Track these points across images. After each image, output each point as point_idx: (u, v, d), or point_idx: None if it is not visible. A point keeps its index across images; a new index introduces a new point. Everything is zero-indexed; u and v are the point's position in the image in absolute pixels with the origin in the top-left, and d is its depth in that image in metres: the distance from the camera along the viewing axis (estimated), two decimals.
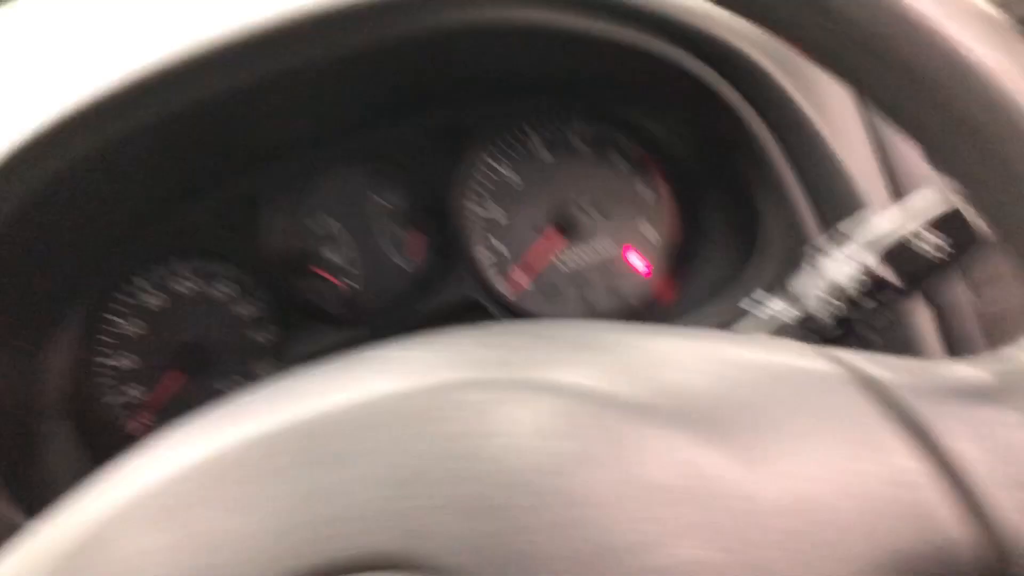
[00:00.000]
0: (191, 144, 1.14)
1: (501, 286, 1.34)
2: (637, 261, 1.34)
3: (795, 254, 1.08)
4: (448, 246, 1.34)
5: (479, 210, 1.35)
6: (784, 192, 1.09)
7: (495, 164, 1.34)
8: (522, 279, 1.35)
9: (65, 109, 0.91)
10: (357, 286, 1.37)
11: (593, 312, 1.35)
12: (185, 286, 1.33)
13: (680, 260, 1.32)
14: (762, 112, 1.08)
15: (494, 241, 1.35)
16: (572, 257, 1.35)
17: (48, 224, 1.04)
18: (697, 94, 1.07)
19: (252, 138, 1.21)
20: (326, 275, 1.36)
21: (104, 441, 1.28)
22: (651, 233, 1.35)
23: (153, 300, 1.33)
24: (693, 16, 1.03)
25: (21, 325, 1.16)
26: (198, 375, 1.32)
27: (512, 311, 1.31)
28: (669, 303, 1.32)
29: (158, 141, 1.03)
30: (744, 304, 0.83)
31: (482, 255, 1.35)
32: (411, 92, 1.25)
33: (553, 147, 1.34)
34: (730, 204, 1.21)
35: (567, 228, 1.32)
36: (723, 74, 1.07)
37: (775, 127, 1.08)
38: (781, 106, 1.05)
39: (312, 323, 1.31)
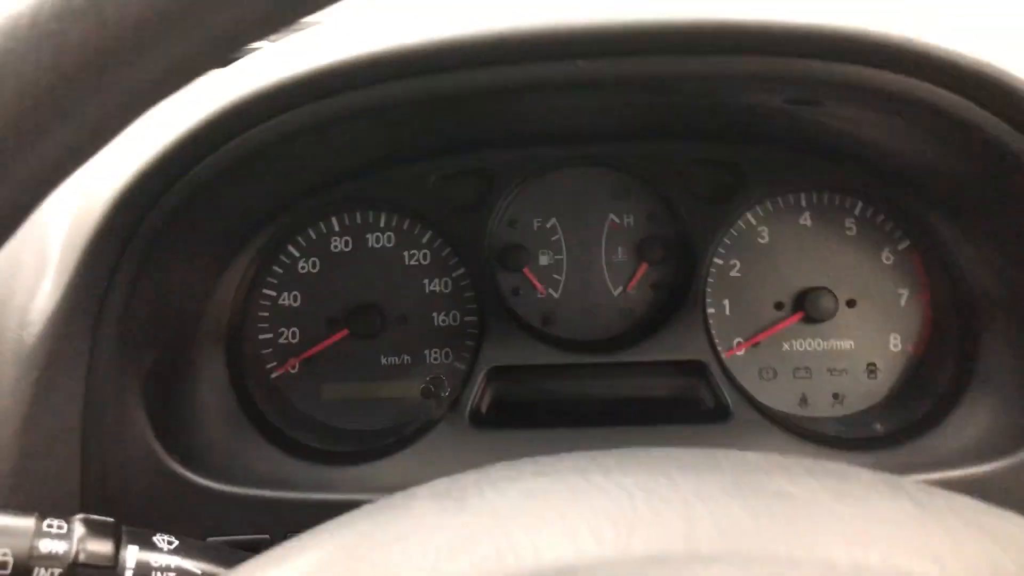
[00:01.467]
0: (424, 124, 1.03)
1: (724, 347, 1.19)
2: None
3: None
4: (680, 294, 1.19)
5: (725, 266, 1.21)
6: None
7: (753, 222, 1.20)
8: (741, 348, 1.20)
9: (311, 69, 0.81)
10: (556, 296, 1.23)
11: (803, 407, 1.19)
12: (378, 240, 1.21)
13: (921, 389, 1.16)
14: None
15: (726, 302, 1.20)
16: (802, 339, 1.20)
17: (256, 169, 0.94)
18: None
19: (493, 123, 1.09)
20: (533, 279, 1.22)
21: (249, 382, 1.15)
22: (896, 341, 1.19)
23: (337, 243, 1.21)
24: None
25: (211, 243, 1.06)
26: (364, 340, 1.19)
27: (726, 376, 1.15)
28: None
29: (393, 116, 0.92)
30: None
31: (716, 314, 1.21)
32: (683, 122, 1.13)
33: (818, 218, 1.20)
34: (1019, 342, 1.04)
35: (810, 308, 1.17)
36: None
37: None
38: None
39: (504, 333, 1.17)
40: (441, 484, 0.50)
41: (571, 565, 0.41)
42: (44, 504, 0.74)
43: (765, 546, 0.41)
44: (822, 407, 1.19)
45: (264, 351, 1.20)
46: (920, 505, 0.44)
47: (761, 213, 1.20)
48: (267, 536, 1.01)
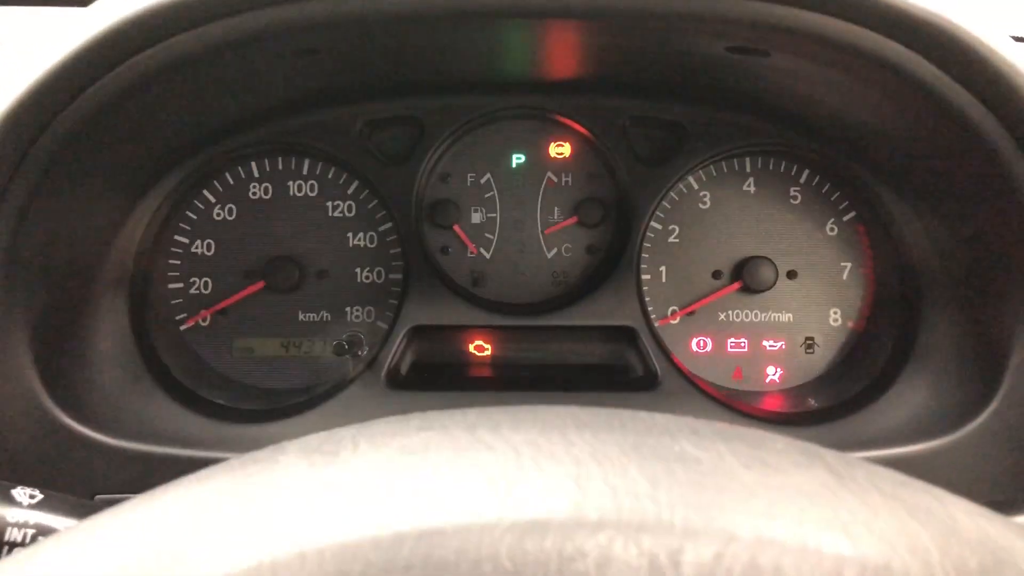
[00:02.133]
0: (352, 61, 0.96)
1: (657, 314, 1.14)
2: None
3: None
4: (615, 259, 1.14)
5: (663, 231, 1.16)
6: None
7: (695, 186, 1.15)
8: (676, 316, 1.15)
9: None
10: (487, 256, 1.17)
11: (738, 380, 1.15)
12: (300, 188, 1.14)
13: (860, 365, 1.12)
14: None
15: (663, 269, 1.15)
16: (739, 310, 1.15)
17: (163, 98, 0.86)
18: (999, 185, 0.87)
19: (424, 63, 1.03)
20: (464, 237, 1.16)
21: (153, 333, 1.08)
22: (836, 315, 1.15)
23: (256, 190, 1.14)
24: None
25: (116, 178, 0.98)
26: (282, 294, 1.13)
27: (657, 343, 1.10)
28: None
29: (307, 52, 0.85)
30: None
31: (651, 280, 1.16)
32: (625, 74, 1.07)
33: (762, 184, 1.15)
34: (961, 320, 1.00)
35: (748, 278, 1.13)
36: None
37: None
38: None
39: (429, 291, 1.11)
40: (315, 438, 0.45)
41: (440, 528, 0.36)
42: None
43: (660, 513, 0.36)
44: (756, 380, 1.15)
45: (174, 301, 1.13)
46: (838, 476, 0.41)
47: (704, 177, 1.15)
48: None
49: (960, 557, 0.35)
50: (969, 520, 0.38)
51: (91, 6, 0.77)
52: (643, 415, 0.47)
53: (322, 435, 0.45)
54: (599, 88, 1.11)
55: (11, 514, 0.66)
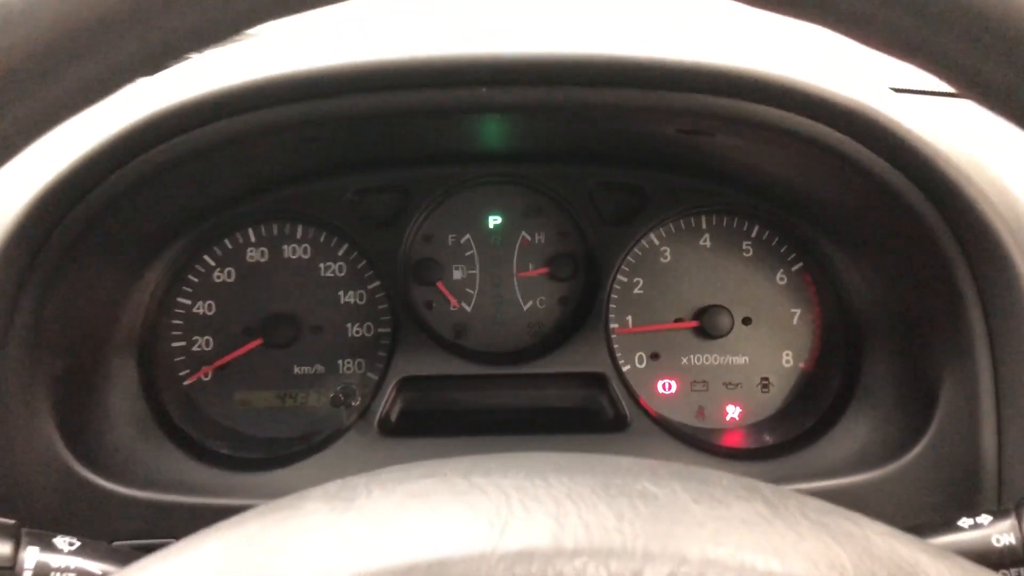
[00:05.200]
0: (340, 141, 1.06)
1: (626, 360, 1.24)
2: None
3: (967, 435, 0.99)
4: (585, 309, 1.24)
5: (629, 284, 1.26)
6: (970, 363, 1.00)
7: (656, 242, 1.26)
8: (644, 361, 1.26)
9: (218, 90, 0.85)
10: (468, 309, 1.27)
11: (700, 419, 1.25)
12: (294, 251, 1.24)
13: (810, 403, 1.23)
14: (975, 269, 0.99)
15: (629, 318, 1.26)
16: (700, 354, 1.26)
17: (171, 181, 0.97)
18: (914, 234, 0.98)
19: (410, 142, 1.14)
20: (447, 292, 1.26)
21: (161, 389, 1.17)
22: (788, 357, 1.26)
23: (253, 254, 1.23)
24: (927, 148, 0.94)
25: (124, 253, 1.08)
26: (278, 349, 1.22)
27: (626, 388, 1.20)
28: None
29: (305, 131, 0.96)
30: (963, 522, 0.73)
31: (618, 330, 1.26)
32: (590, 146, 1.19)
33: (717, 240, 1.26)
34: (897, 361, 1.12)
35: (707, 324, 1.23)
36: (946, 219, 0.98)
37: (985, 289, 0.99)
38: (1000, 268, 0.97)
39: (416, 344, 1.20)
40: (333, 486, 0.53)
41: (446, 559, 0.44)
42: None
43: (624, 542, 0.45)
44: (717, 419, 1.26)
45: (177, 359, 1.21)
46: (772, 506, 0.48)
47: (664, 234, 1.26)
48: (173, 541, 1.02)
49: (871, 571, 0.43)
50: (882, 540, 0.46)
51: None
52: (612, 459, 0.56)
53: (338, 483, 0.53)
54: (566, 157, 1.23)
55: (53, 560, 0.74)
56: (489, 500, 0.48)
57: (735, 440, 1.21)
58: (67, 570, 0.74)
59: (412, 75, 0.84)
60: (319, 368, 1.23)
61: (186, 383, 1.21)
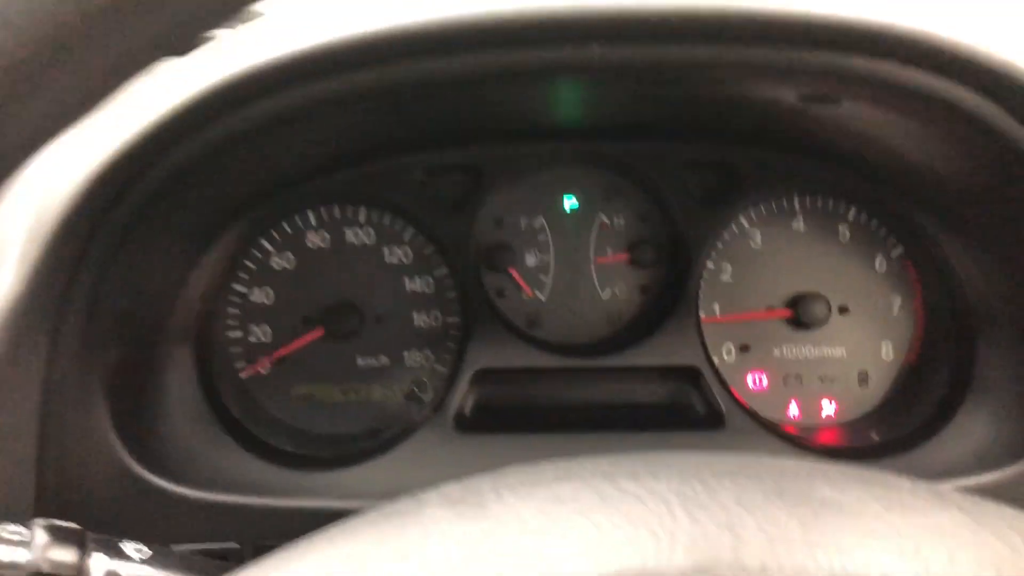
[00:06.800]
0: (410, 113, 0.98)
1: (713, 352, 1.15)
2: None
3: None
4: (670, 298, 1.15)
5: (716, 270, 1.17)
6: None
7: (746, 225, 1.17)
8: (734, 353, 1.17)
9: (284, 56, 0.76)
10: (542, 298, 1.19)
11: (794, 415, 1.16)
12: (357, 236, 1.16)
13: (915, 398, 1.14)
14: None
15: (716, 307, 1.17)
16: (793, 346, 1.17)
17: (230, 159, 0.90)
18: None
19: (482, 114, 1.05)
20: (520, 279, 1.18)
21: (219, 383, 1.09)
22: (888, 349, 1.17)
23: (314, 239, 1.15)
24: None
25: (181, 238, 1.00)
26: (340, 340, 1.13)
27: (720, 382, 1.11)
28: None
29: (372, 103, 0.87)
30: None
31: (708, 319, 1.16)
32: (678, 120, 1.10)
33: (811, 222, 1.17)
34: (1018, 353, 1.02)
35: (802, 313, 1.14)
36: None
37: None
38: None
39: (489, 335, 1.12)
40: (450, 489, 0.45)
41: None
42: None
43: (818, 559, 0.37)
44: (812, 415, 1.17)
45: (234, 350, 1.14)
46: (969, 514, 0.42)
47: (754, 216, 1.17)
48: (236, 545, 0.95)
49: None
50: None
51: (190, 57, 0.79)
52: (768, 460, 0.48)
53: (456, 486, 0.46)
54: (648, 133, 1.14)
55: (123, 568, 0.67)
56: (648, 508, 0.41)
57: (837, 438, 1.13)
58: None
59: (517, 31, 0.75)
60: (384, 360, 1.15)
61: (243, 375, 1.14)
